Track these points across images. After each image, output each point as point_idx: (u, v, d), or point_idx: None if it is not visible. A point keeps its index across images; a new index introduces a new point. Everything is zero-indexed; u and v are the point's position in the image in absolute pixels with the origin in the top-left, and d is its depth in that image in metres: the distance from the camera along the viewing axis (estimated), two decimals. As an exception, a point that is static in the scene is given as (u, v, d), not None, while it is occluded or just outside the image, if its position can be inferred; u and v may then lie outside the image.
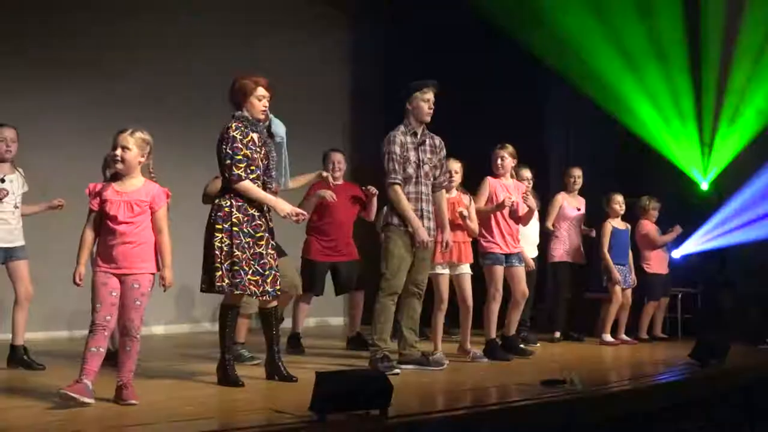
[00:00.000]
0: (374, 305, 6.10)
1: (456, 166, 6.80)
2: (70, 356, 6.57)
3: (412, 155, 6.10)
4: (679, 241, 9.03)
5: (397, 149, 6.03)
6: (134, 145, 4.72)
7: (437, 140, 6.29)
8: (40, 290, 7.21)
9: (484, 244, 7.03)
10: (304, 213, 5.50)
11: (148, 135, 4.79)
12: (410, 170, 6.06)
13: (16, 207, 6.14)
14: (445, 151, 6.34)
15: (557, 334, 8.38)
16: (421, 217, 6.08)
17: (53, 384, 5.11)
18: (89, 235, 4.74)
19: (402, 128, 6.14)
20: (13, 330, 6.17)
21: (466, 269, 6.81)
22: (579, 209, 8.46)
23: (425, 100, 6.11)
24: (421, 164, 6.13)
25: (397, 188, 6.00)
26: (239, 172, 5.20)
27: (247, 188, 5.23)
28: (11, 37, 7.72)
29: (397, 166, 6.01)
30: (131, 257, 4.73)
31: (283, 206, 5.31)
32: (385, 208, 6.22)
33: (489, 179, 7.15)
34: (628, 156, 9.52)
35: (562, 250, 8.32)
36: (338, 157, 7.52)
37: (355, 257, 7.57)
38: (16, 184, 6.15)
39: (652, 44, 9.12)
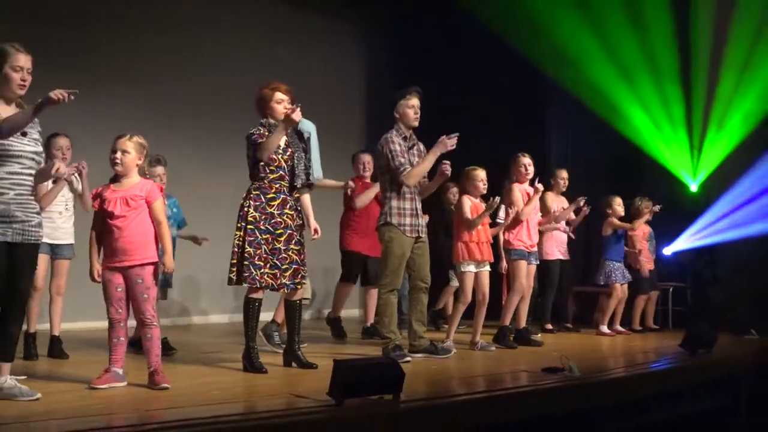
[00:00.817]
0: (378, 301, 6.12)
1: (480, 175, 6.75)
2: (103, 344, 6.63)
3: (406, 157, 6.11)
4: (670, 239, 9.03)
5: (397, 147, 6.01)
6: (132, 149, 4.76)
7: (421, 146, 6.25)
8: (82, 283, 7.29)
9: (513, 241, 7.06)
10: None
11: (143, 139, 4.84)
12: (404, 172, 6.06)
13: (66, 209, 6.12)
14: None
15: (549, 326, 8.37)
16: (415, 216, 6.07)
17: (90, 370, 5.16)
18: (93, 234, 4.79)
19: (394, 132, 6.11)
20: (50, 322, 6.19)
21: (487, 267, 6.79)
22: (563, 208, 8.42)
23: (410, 107, 6.09)
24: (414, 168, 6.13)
25: (409, 173, 5.95)
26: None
27: (267, 145, 5.23)
28: (52, 50, 7.73)
29: (402, 159, 5.98)
30: (131, 249, 4.74)
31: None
32: (384, 208, 6.16)
33: (516, 186, 7.17)
34: (622, 159, 9.51)
35: (552, 248, 8.29)
36: (367, 158, 7.55)
37: (380, 254, 7.59)
38: (66, 188, 6.11)
39: (645, 55, 9.10)
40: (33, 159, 4.22)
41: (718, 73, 9.08)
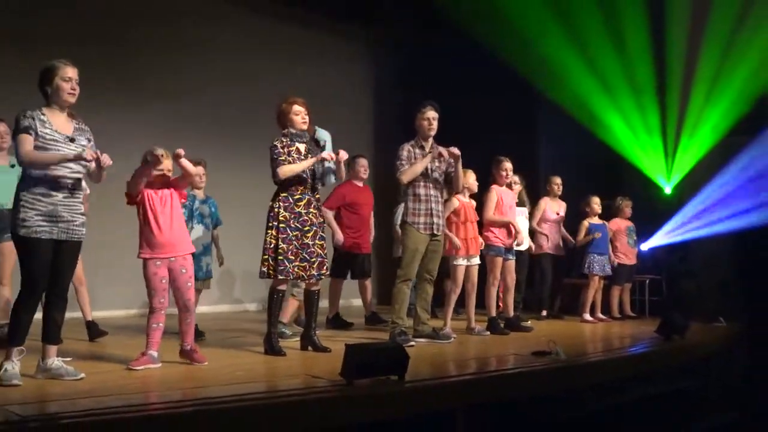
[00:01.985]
0: (392, 289, 6.14)
1: (472, 177, 6.81)
2: (140, 330, 6.65)
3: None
4: (646, 236, 9.04)
5: (405, 153, 6.07)
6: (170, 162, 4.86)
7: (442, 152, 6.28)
8: (113, 275, 7.31)
9: (491, 238, 7.06)
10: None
11: None
12: (420, 176, 6.09)
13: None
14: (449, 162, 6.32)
15: (544, 313, 8.39)
16: (431, 215, 6.08)
17: (128, 353, 5.19)
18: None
19: (412, 142, 6.16)
20: (81, 309, 6.21)
21: (476, 260, 6.82)
22: (558, 213, 8.43)
23: (425, 119, 6.13)
24: (430, 172, 6.14)
25: (404, 171, 6.01)
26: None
27: (287, 171, 5.28)
28: (102, 69, 7.78)
29: (404, 161, 6.03)
30: (176, 244, 4.84)
31: (324, 155, 5.43)
32: (401, 207, 6.23)
33: (495, 188, 7.17)
34: (603, 164, 9.51)
35: (544, 244, 8.31)
36: (364, 162, 7.54)
37: (369, 250, 7.60)
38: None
39: (624, 70, 9.08)
40: (80, 164, 4.23)
41: (691, 86, 9.08)
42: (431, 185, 6.15)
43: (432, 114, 6.13)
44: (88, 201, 6.17)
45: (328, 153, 5.47)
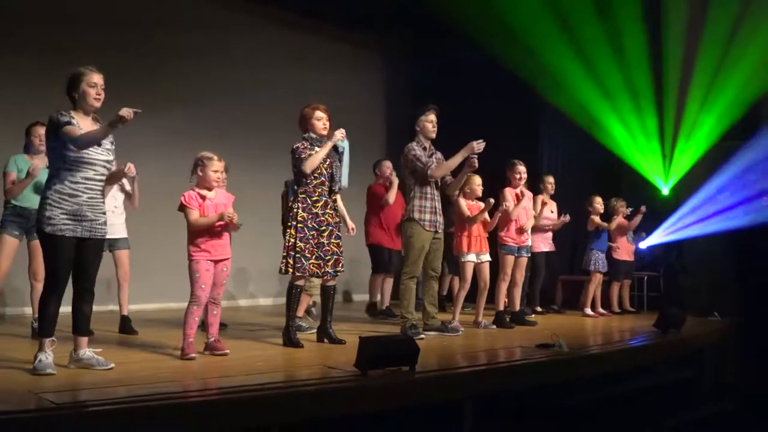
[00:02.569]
0: (399, 286, 6.13)
1: (477, 183, 6.78)
2: (167, 322, 6.68)
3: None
4: (645, 235, 9.01)
5: (419, 152, 6.05)
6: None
7: (439, 155, 6.25)
8: (149, 271, 7.34)
9: (504, 237, 7.04)
10: None
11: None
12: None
13: (116, 207, 6.16)
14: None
15: (538, 308, 8.35)
16: (435, 213, 6.08)
17: (158, 344, 5.23)
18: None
19: (415, 143, 6.13)
20: (119, 304, 6.28)
21: (486, 257, 6.79)
22: (552, 211, 8.38)
23: (429, 121, 6.13)
24: None
25: (437, 167, 6.01)
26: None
27: (312, 162, 5.28)
28: (128, 76, 7.81)
29: (426, 159, 6.02)
30: (223, 247, 4.90)
31: (337, 133, 5.37)
32: (408, 206, 6.16)
33: (508, 189, 7.16)
34: (603, 167, 9.49)
35: (539, 243, 8.24)
36: (389, 164, 7.56)
37: (400, 247, 7.60)
38: (117, 189, 6.18)
39: (623, 77, 9.05)
40: (104, 166, 4.24)
41: (687, 92, 9.05)
42: (434, 185, 6.15)
43: (434, 117, 6.14)
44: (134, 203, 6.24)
45: (340, 131, 5.37)
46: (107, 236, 5.96)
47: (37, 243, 5.55)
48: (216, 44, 9.07)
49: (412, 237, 6.03)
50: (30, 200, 5.47)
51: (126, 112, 3.99)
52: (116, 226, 6.11)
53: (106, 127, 4.06)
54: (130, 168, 5.27)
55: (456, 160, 5.99)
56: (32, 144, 5.66)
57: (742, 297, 8.61)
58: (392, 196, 7.39)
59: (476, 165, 5.99)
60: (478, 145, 5.91)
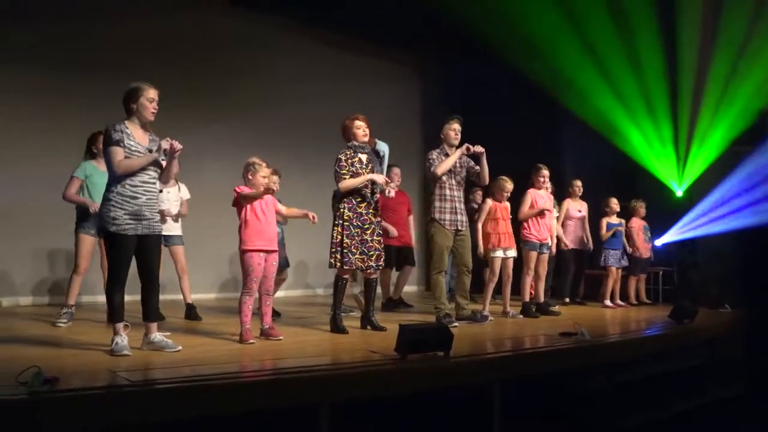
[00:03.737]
0: (430, 281, 6.12)
1: (509, 185, 6.75)
2: (226, 310, 6.77)
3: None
4: (660, 233, 8.90)
5: (434, 155, 6.09)
6: None
7: (464, 159, 6.25)
8: (205, 265, 7.43)
9: (527, 235, 7.01)
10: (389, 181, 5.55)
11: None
12: (444, 178, 6.07)
13: (175, 207, 6.22)
14: (470, 162, 6.28)
15: (566, 300, 8.30)
16: (455, 213, 6.07)
17: (218, 331, 5.29)
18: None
19: (437, 150, 6.15)
20: (182, 293, 6.34)
21: (512, 253, 6.77)
22: (580, 211, 8.30)
23: (452, 129, 6.13)
24: (454, 175, 6.13)
25: (437, 166, 6.01)
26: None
27: (347, 185, 5.33)
28: (185, 91, 7.93)
29: (435, 162, 6.04)
30: (273, 240, 4.93)
31: (377, 177, 5.41)
32: (430, 207, 6.17)
33: (531, 191, 7.13)
34: (621, 170, 9.39)
35: (568, 240, 8.21)
36: (397, 171, 7.52)
37: (410, 243, 7.58)
38: (173, 194, 6.25)
39: (640, 86, 8.94)
40: (156, 170, 4.32)
41: (700, 101, 8.91)
42: (455, 186, 6.14)
43: (458, 126, 6.13)
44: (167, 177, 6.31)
45: (382, 177, 5.46)
46: (164, 233, 6.11)
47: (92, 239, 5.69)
48: (268, 62, 9.17)
49: (434, 236, 6.04)
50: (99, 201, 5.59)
51: (167, 144, 4.06)
52: (170, 224, 6.17)
53: (146, 161, 4.14)
54: (172, 145, 4.40)
55: (452, 159, 6.02)
56: (98, 151, 5.74)
57: (750, 291, 8.50)
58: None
59: (481, 149, 5.97)
60: (474, 148, 5.95)
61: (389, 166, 7.53)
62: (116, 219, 4.13)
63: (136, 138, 4.23)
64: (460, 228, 6.09)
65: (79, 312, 6.08)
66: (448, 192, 6.09)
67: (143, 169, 4.23)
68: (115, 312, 4.20)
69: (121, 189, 4.16)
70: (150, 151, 4.27)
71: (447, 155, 6.10)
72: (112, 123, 4.22)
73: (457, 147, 6.08)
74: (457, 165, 6.13)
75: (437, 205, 6.06)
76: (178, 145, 4.29)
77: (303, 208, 5.21)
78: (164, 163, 4.37)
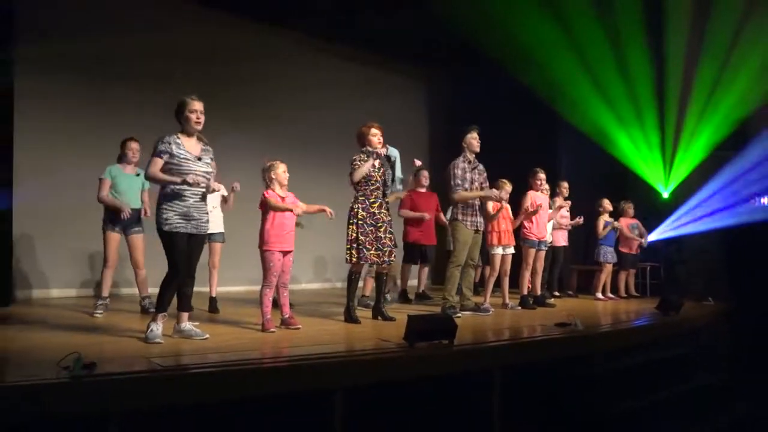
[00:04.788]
0: (445, 273, 6.14)
1: (508, 187, 6.72)
2: (249, 302, 6.79)
3: (468, 176, 6.13)
4: (648, 231, 8.86)
5: (459, 171, 6.06)
6: None
7: (481, 166, 6.28)
8: (237, 259, 7.46)
9: (527, 233, 7.00)
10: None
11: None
12: (467, 185, 6.09)
13: (214, 207, 6.21)
14: (485, 173, 6.30)
15: (557, 293, 8.26)
16: (476, 215, 6.11)
17: (242, 321, 5.30)
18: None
19: (462, 158, 6.16)
20: (209, 286, 6.33)
21: (511, 249, 6.77)
22: (567, 210, 8.28)
23: (473, 138, 6.15)
24: (474, 181, 6.15)
25: (461, 192, 6.02)
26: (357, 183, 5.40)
27: (357, 174, 5.35)
28: (217, 102, 7.93)
29: (459, 181, 6.04)
30: (291, 240, 4.94)
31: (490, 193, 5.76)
32: (451, 208, 6.22)
33: (531, 193, 7.12)
34: (612, 173, 9.36)
35: (559, 238, 8.16)
36: (425, 173, 7.54)
37: (434, 242, 7.59)
38: (215, 195, 6.28)
39: (629, 96, 8.92)
40: (204, 177, 4.33)
41: (685, 109, 8.90)
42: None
43: (477, 134, 6.16)
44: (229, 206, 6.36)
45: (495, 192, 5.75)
46: (210, 230, 6.12)
47: (134, 237, 5.73)
48: (292, 74, 9.17)
49: (457, 234, 6.07)
50: (125, 202, 5.63)
51: (192, 179, 4.14)
52: (215, 222, 6.20)
53: (171, 180, 4.17)
54: (237, 186, 5.89)
55: (475, 194, 6.07)
56: (126, 155, 5.78)
57: (732, 284, 8.47)
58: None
59: (500, 205, 6.19)
60: (497, 194, 6.17)
61: (418, 169, 7.56)
62: (168, 219, 4.19)
63: (186, 147, 4.27)
64: (478, 228, 6.14)
65: (116, 302, 6.12)
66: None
67: (194, 176, 4.24)
68: (163, 303, 4.25)
69: (171, 193, 4.22)
70: (200, 159, 4.30)
71: (469, 162, 6.14)
72: (165, 135, 4.26)
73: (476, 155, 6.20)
74: (476, 172, 6.19)
75: (461, 208, 6.10)
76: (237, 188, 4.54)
77: (324, 205, 5.20)
78: (214, 184, 4.40)
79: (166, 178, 4.19)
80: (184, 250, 4.25)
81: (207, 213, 4.41)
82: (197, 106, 4.31)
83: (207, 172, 4.36)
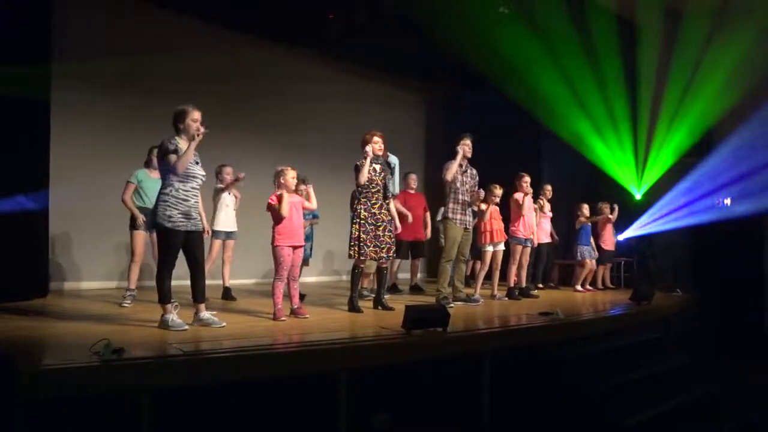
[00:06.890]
0: (438, 267, 6.12)
1: (498, 191, 6.69)
2: (262, 293, 6.77)
3: (459, 178, 6.10)
4: (622, 229, 8.86)
5: (450, 165, 6.06)
6: None
7: (473, 171, 6.26)
8: (250, 254, 7.43)
9: (515, 231, 6.98)
10: None
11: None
12: (458, 185, 6.06)
13: (234, 209, 6.29)
14: (477, 177, 6.29)
15: (540, 285, 8.21)
16: (465, 214, 6.07)
17: (256, 310, 5.27)
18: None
19: (453, 161, 6.12)
20: (222, 278, 6.31)
21: (501, 247, 6.75)
22: (550, 210, 8.23)
23: (466, 144, 6.12)
24: (465, 184, 6.12)
25: (445, 171, 6.02)
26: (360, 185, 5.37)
27: (361, 176, 5.30)
28: (227, 112, 7.93)
29: (449, 167, 6.04)
30: (300, 237, 4.92)
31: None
32: (443, 208, 6.18)
33: (518, 194, 7.07)
34: (589, 176, 9.35)
35: (542, 236, 8.08)
36: (414, 176, 7.49)
37: (422, 237, 7.54)
38: (231, 196, 6.28)
39: (605, 106, 8.91)
40: (202, 179, 4.31)
41: (657, 118, 8.93)
42: (466, 194, 6.13)
43: (470, 141, 6.13)
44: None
45: None
46: (228, 229, 6.13)
47: (144, 234, 5.70)
48: (301, 88, 9.11)
49: (447, 231, 6.04)
50: (151, 203, 5.63)
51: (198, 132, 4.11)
52: (230, 221, 6.20)
53: (190, 147, 4.14)
54: (242, 175, 5.94)
55: (455, 164, 6.04)
56: (152, 161, 5.76)
57: (697, 277, 8.48)
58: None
59: (481, 196, 6.13)
60: (478, 195, 6.13)
61: (407, 173, 7.53)
62: (171, 217, 4.14)
63: (183, 149, 4.21)
64: (467, 227, 6.11)
65: (142, 294, 6.09)
66: (461, 197, 6.10)
67: (193, 177, 4.23)
68: (164, 294, 4.19)
69: (175, 193, 4.17)
70: (197, 163, 4.27)
71: (460, 166, 6.11)
72: (168, 137, 4.23)
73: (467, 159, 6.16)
74: (468, 176, 6.15)
75: (451, 207, 6.07)
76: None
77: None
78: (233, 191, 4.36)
79: (189, 155, 4.12)
80: (179, 247, 4.19)
81: (199, 213, 4.38)
82: (197, 115, 4.26)
83: (203, 175, 4.35)
